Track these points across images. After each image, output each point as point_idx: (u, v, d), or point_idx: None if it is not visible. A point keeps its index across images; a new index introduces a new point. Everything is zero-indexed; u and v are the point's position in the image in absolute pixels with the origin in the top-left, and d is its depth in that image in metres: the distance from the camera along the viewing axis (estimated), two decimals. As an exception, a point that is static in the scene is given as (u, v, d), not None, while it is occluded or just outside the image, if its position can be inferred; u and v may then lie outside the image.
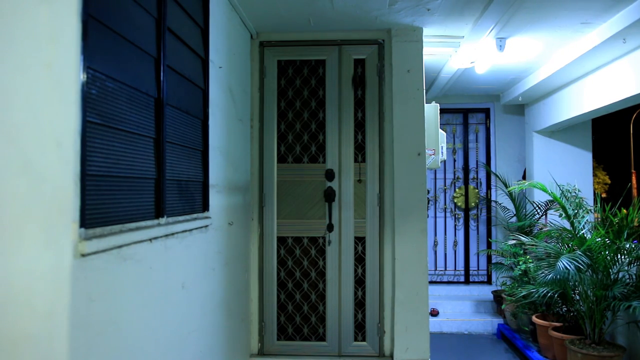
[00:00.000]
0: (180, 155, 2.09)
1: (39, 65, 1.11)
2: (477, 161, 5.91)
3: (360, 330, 3.36)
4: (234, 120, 2.97)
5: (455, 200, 5.88)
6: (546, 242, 3.96)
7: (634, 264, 3.34)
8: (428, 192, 4.22)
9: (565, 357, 3.47)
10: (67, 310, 1.21)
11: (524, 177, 5.63)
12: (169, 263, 1.90)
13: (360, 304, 3.36)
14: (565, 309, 3.91)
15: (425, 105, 3.44)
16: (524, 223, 4.98)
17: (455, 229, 5.92)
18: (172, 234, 1.91)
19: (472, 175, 5.90)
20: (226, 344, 2.75)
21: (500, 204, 5.58)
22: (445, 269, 5.90)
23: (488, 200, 5.82)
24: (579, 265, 3.21)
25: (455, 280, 5.87)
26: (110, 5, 1.50)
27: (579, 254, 3.31)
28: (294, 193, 3.43)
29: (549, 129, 5.23)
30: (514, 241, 4.50)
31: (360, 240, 3.38)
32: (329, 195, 3.38)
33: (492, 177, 5.79)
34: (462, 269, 5.88)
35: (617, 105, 3.96)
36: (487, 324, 5.15)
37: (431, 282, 5.59)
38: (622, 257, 3.32)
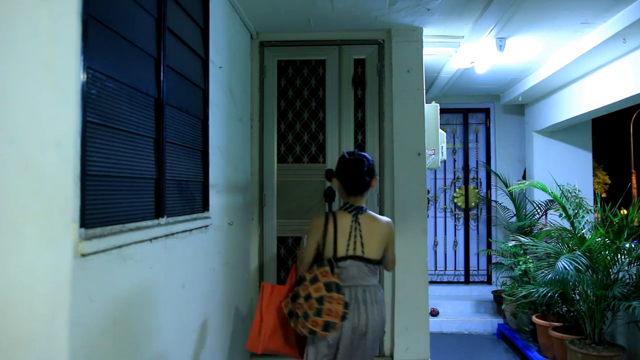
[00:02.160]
0: (180, 155, 2.09)
1: (39, 65, 1.11)
2: (477, 161, 5.90)
3: (360, 330, 3.36)
4: (234, 120, 2.97)
5: (455, 200, 5.88)
6: (546, 242, 3.96)
7: (634, 263, 3.34)
8: (428, 192, 4.21)
9: (565, 357, 3.47)
10: (67, 310, 1.21)
11: (524, 177, 5.63)
12: (169, 263, 1.90)
13: (360, 304, 3.35)
14: (565, 309, 3.91)
15: (425, 105, 3.44)
16: (524, 223, 4.97)
17: (455, 229, 5.91)
18: (172, 234, 1.91)
19: (472, 175, 5.90)
20: (226, 344, 2.75)
21: (500, 203, 5.57)
22: (445, 269, 5.90)
23: (488, 200, 5.82)
24: (578, 266, 3.21)
25: (455, 280, 5.87)
26: (110, 5, 1.50)
27: (579, 255, 3.31)
28: (294, 193, 3.43)
29: (549, 129, 5.23)
30: (514, 242, 4.50)
31: (360, 240, 3.37)
32: (329, 196, 3.36)
33: (492, 177, 5.79)
34: (462, 269, 5.88)
35: (617, 105, 3.95)
36: (487, 324, 5.15)
37: (431, 282, 5.58)
38: (622, 257, 3.31)
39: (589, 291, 3.36)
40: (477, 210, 5.90)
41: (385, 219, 2.29)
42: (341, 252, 2.16)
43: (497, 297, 5.23)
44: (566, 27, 3.35)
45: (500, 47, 3.64)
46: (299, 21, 3.22)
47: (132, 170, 1.64)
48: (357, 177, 2.21)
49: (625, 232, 3.28)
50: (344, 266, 2.15)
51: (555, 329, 3.80)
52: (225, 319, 2.73)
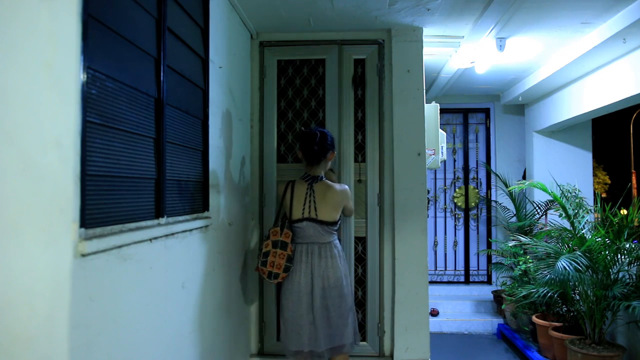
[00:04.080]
0: (180, 155, 2.09)
1: (39, 65, 1.11)
2: (477, 161, 5.90)
3: (360, 330, 3.36)
4: (234, 120, 2.97)
5: (455, 200, 5.88)
6: (546, 242, 3.96)
7: (634, 264, 3.34)
8: (428, 192, 4.21)
9: (565, 357, 3.47)
10: (67, 310, 1.21)
11: (524, 177, 5.63)
12: (169, 263, 1.90)
13: (360, 304, 3.36)
14: (565, 309, 3.91)
15: (425, 105, 3.44)
16: (524, 223, 4.97)
17: (455, 229, 5.92)
18: (172, 234, 1.91)
19: (472, 175, 5.90)
20: (226, 344, 2.75)
21: (500, 203, 5.58)
22: (445, 269, 5.90)
23: (488, 200, 5.82)
24: (578, 266, 3.21)
25: (455, 280, 5.87)
26: (110, 5, 1.50)
27: (579, 255, 3.31)
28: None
29: (549, 129, 5.23)
30: (514, 242, 4.50)
31: (360, 240, 3.37)
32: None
33: (492, 177, 5.79)
34: (462, 269, 5.88)
35: (617, 105, 3.95)
36: (487, 324, 5.15)
37: (431, 282, 5.59)
38: (622, 257, 3.31)
39: (589, 291, 3.36)
40: (477, 210, 5.90)
41: (339, 186, 2.65)
42: (297, 215, 2.58)
43: (497, 297, 5.23)
44: (566, 27, 3.35)
45: (500, 47, 3.64)
46: (299, 21, 3.22)
47: (132, 170, 1.64)
48: (309, 147, 2.59)
49: (625, 232, 3.28)
50: (301, 227, 2.57)
51: (555, 329, 3.80)
52: (225, 319, 2.73)
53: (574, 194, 4.42)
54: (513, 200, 5.23)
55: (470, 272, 5.86)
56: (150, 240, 1.71)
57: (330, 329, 2.56)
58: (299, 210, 2.57)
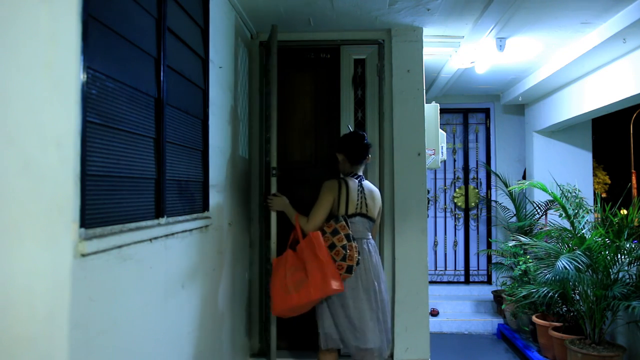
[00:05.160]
0: (180, 155, 2.09)
1: (39, 65, 1.11)
2: (477, 161, 5.90)
3: (360, 330, 3.36)
4: (234, 120, 2.97)
5: (455, 200, 5.88)
6: (546, 242, 3.96)
7: (634, 263, 3.34)
8: (428, 192, 4.19)
9: (565, 357, 3.47)
10: (67, 310, 1.21)
11: (524, 177, 5.63)
12: (169, 263, 1.90)
13: (360, 304, 3.35)
14: (565, 309, 3.91)
15: (425, 105, 3.44)
16: (524, 223, 4.97)
17: (455, 229, 5.91)
18: (172, 233, 1.91)
19: (472, 175, 5.90)
20: (226, 343, 2.75)
21: (500, 203, 5.57)
22: (445, 269, 5.89)
23: (488, 200, 5.82)
24: (578, 265, 3.21)
25: (455, 280, 5.87)
26: (110, 5, 1.50)
27: (579, 254, 3.31)
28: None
29: (549, 129, 5.23)
30: (514, 242, 4.50)
31: (360, 240, 3.37)
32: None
33: (492, 177, 5.79)
34: (462, 269, 5.88)
35: (617, 105, 3.95)
36: (487, 324, 5.15)
37: (431, 282, 5.58)
38: (622, 257, 3.32)
39: (589, 291, 3.36)
40: (477, 210, 5.90)
41: (375, 187, 2.82)
42: (352, 210, 2.64)
43: (497, 297, 5.23)
44: (566, 27, 3.35)
45: (500, 47, 3.64)
46: (299, 21, 3.22)
47: (132, 170, 1.64)
48: (359, 146, 2.70)
49: (625, 232, 3.28)
50: (354, 222, 2.63)
51: (555, 329, 3.80)
52: (226, 318, 2.73)
53: (574, 194, 4.42)
54: (513, 200, 5.23)
55: (470, 272, 5.86)
56: (150, 240, 1.71)
57: (383, 324, 2.58)
58: (353, 205, 2.64)
